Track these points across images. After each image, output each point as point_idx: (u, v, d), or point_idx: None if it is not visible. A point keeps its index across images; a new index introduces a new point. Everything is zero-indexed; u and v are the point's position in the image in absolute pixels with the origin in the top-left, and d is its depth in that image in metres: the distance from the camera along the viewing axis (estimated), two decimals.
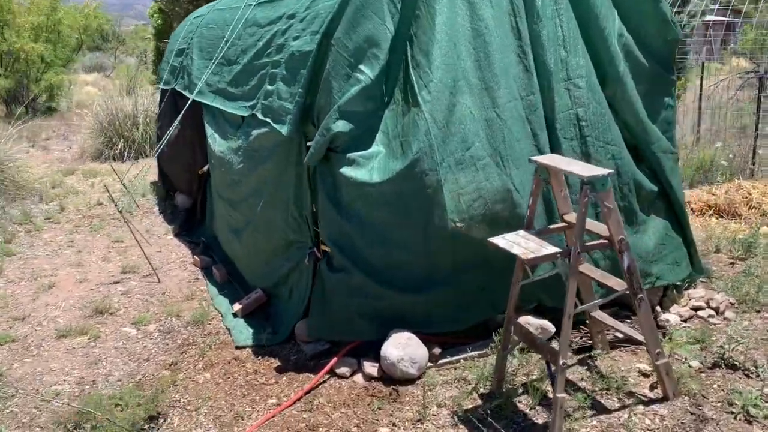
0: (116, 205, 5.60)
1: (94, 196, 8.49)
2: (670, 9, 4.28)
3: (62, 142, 13.31)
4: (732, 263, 5.34)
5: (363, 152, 3.67)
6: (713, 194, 6.82)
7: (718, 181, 8.09)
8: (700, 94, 10.93)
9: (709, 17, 23.34)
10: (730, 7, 21.93)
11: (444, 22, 3.64)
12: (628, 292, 3.21)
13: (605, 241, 3.17)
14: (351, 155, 3.64)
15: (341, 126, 3.61)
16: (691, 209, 6.78)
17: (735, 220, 6.47)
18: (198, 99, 6.04)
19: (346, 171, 3.63)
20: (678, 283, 4.55)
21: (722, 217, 6.58)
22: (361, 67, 3.61)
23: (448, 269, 3.82)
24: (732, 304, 4.50)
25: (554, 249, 3.09)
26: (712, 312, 4.35)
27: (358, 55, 3.61)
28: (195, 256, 6.02)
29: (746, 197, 6.62)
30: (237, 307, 4.74)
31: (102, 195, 8.20)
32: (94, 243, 6.71)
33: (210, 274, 5.58)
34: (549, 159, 3.29)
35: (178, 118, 5.93)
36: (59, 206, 7.98)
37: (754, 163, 8.38)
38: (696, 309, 4.38)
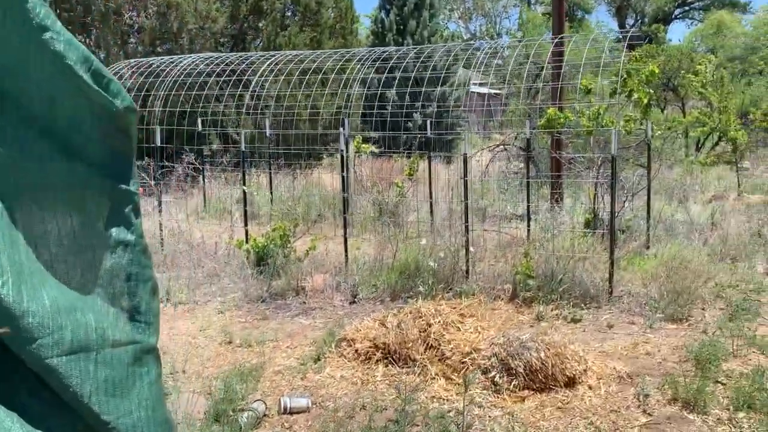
0: None
1: None
2: (98, 61, 2.07)
3: None
4: None
5: None
6: (385, 326, 4.82)
7: (420, 292, 6.25)
8: (430, 175, 9.43)
9: (479, 89, 23.42)
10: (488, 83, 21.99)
11: None
12: None
13: None
14: None
15: None
16: (356, 352, 4.70)
17: (408, 369, 4.47)
18: None
19: None
20: None
21: (395, 362, 4.57)
22: None
23: None
24: None
25: None
26: None
27: None
28: None
29: (424, 330, 4.68)
30: None
31: None
32: None
33: None
34: None
35: None
36: None
37: (467, 262, 6.71)
38: None
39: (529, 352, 4.16)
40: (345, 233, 7.32)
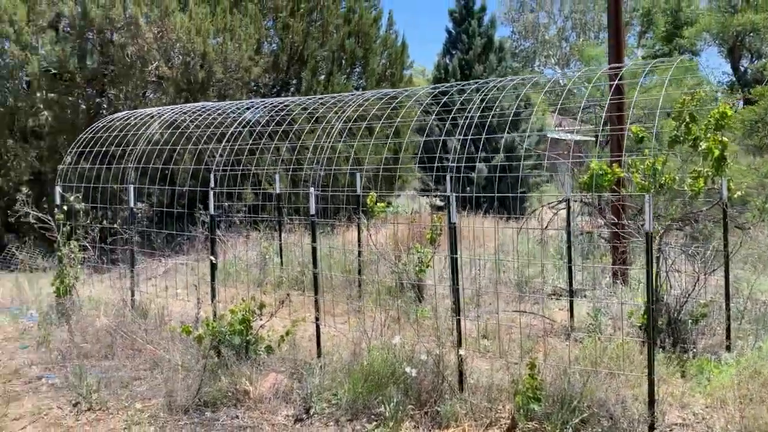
0: None
1: None
2: None
3: None
4: None
5: None
6: None
7: (380, 414, 4.63)
8: (452, 240, 7.78)
9: (565, 136, 21.28)
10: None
11: None
12: None
13: None
14: None
15: None
16: None
17: None
18: None
19: None
20: None
21: None
22: None
23: None
24: None
25: None
26: None
27: None
28: None
29: None
30: None
31: None
32: None
33: None
34: None
35: None
36: None
37: (460, 369, 4.98)
38: None
39: None
40: (317, 318, 5.84)
